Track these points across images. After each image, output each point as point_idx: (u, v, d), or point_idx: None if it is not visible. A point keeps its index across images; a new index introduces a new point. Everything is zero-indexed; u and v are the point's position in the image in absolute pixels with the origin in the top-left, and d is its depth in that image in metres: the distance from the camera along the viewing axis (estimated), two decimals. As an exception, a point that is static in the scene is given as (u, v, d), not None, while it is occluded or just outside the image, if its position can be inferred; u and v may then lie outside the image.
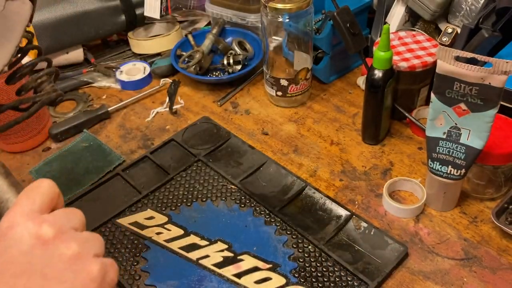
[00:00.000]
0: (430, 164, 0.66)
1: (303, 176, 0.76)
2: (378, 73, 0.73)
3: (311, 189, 0.72)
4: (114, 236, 0.68)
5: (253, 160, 0.78)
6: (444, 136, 0.64)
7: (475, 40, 0.75)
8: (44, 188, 0.40)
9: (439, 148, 0.65)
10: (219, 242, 0.66)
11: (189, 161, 0.79)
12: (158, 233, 0.68)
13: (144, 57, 1.04)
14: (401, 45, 0.81)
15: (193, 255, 0.65)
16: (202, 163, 0.78)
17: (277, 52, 0.86)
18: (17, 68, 0.54)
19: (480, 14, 0.77)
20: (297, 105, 0.90)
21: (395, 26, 0.91)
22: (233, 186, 0.74)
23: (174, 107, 0.92)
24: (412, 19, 0.92)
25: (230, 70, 0.96)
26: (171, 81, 0.97)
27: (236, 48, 0.99)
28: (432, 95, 0.62)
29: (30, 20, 0.51)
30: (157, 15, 1.03)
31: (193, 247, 0.66)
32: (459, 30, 0.80)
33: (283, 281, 0.61)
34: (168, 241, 0.67)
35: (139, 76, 0.98)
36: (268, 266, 0.63)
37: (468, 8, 0.82)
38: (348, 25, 0.80)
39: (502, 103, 0.68)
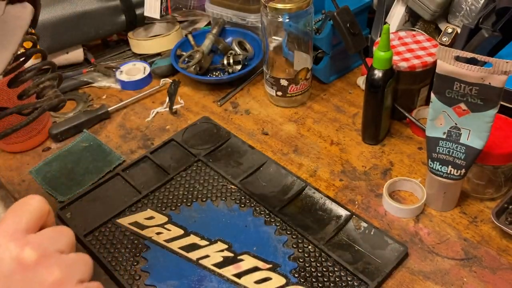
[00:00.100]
0: (430, 164, 0.66)
1: (303, 176, 0.76)
2: (378, 73, 0.73)
3: (311, 189, 0.72)
4: (114, 236, 0.68)
5: (253, 160, 0.78)
6: (444, 136, 0.64)
7: (475, 40, 0.75)
8: (33, 206, 0.38)
9: (439, 148, 0.65)
10: (219, 242, 0.66)
11: (189, 161, 0.79)
12: (158, 233, 0.68)
13: (144, 57, 1.04)
14: (401, 45, 0.81)
15: (193, 255, 0.65)
16: (202, 163, 0.78)
17: (277, 52, 0.86)
18: (19, 72, 0.53)
19: (480, 14, 0.77)
20: (297, 105, 0.90)
21: (395, 26, 0.91)
22: (233, 186, 0.74)
23: (174, 107, 0.91)
24: (412, 19, 0.92)
25: (230, 70, 0.96)
26: (171, 81, 0.97)
27: (236, 48, 0.99)
28: (432, 95, 0.62)
29: (35, 24, 0.50)
30: (157, 15, 1.03)
31: (193, 247, 0.66)
32: (459, 30, 0.80)
33: (283, 281, 0.61)
34: (168, 241, 0.67)
35: (139, 76, 0.98)
36: (268, 266, 0.63)
37: (468, 8, 0.82)
38: (348, 25, 0.80)
39: (502, 103, 0.68)
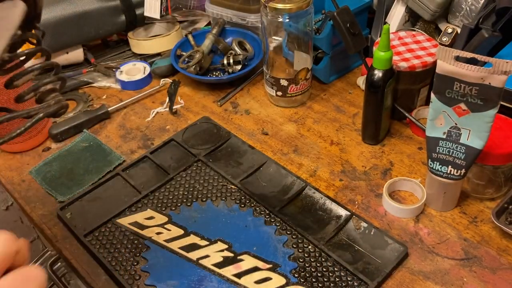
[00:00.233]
0: (430, 164, 0.66)
1: (303, 176, 0.76)
2: (378, 73, 0.73)
3: (311, 189, 0.72)
4: (114, 236, 0.68)
5: (253, 160, 0.78)
6: (444, 136, 0.64)
7: (475, 40, 0.75)
8: None
9: (439, 148, 0.65)
10: (219, 242, 0.66)
11: (189, 161, 0.79)
12: (158, 233, 0.68)
13: (144, 57, 1.04)
14: (401, 45, 0.81)
15: (193, 255, 0.65)
16: (202, 163, 0.78)
17: (277, 52, 0.86)
18: (17, 73, 0.48)
19: (480, 14, 0.77)
20: (297, 105, 0.90)
21: (395, 26, 0.91)
22: (233, 186, 0.74)
23: (174, 107, 0.91)
24: (412, 19, 0.92)
25: (230, 70, 0.96)
26: (171, 81, 0.97)
27: (236, 48, 0.99)
28: (432, 95, 0.62)
29: (38, 19, 0.46)
30: (157, 15, 1.03)
31: (193, 247, 0.66)
32: (459, 30, 0.80)
33: (283, 281, 0.61)
34: (168, 241, 0.67)
35: (139, 76, 0.98)
36: (268, 266, 0.63)
37: (468, 8, 0.82)
38: (348, 25, 0.80)
39: (502, 103, 0.68)
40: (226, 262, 0.64)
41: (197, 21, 1.13)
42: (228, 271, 0.63)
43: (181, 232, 0.68)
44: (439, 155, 0.65)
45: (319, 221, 0.68)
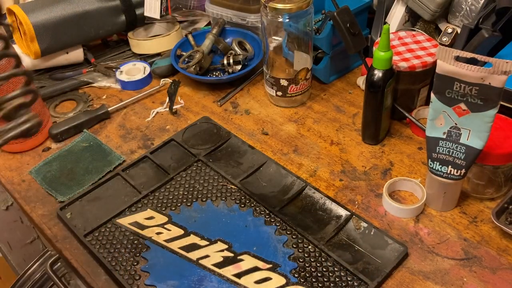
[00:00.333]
0: (430, 164, 0.66)
1: (303, 176, 0.76)
2: (378, 73, 0.73)
3: (311, 189, 0.72)
4: (114, 236, 0.68)
5: (253, 160, 0.78)
6: (444, 136, 0.64)
7: (475, 40, 0.75)
8: None
9: (439, 148, 0.65)
10: (219, 242, 0.66)
11: (189, 161, 0.79)
12: (158, 233, 0.68)
13: (144, 57, 1.04)
14: (401, 45, 0.81)
15: (193, 255, 0.65)
16: (202, 163, 0.78)
17: (277, 52, 0.86)
18: None
19: (480, 14, 0.77)
20: (297, 105, 0.90)
21: (395, 26, 0.91)
22: (233, 186, 0.74)
23: (174, 107, 0.91)
24: (412, 19, 0.92)
25: (230, 70, 0.96)
26: (171, 81, 0.97)
27: (236, 48, 0.99)
28: (432, 95, 0.62)
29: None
30: (157, 15, 1.03)
31: (193, 247, 0.66)
32: (459, 30, 0.80)
33: (283, 281, 0.61)
34: (168, 241, 0.67)
35: (139, 76, 0.98)
36: (268, 266, 0.63)
37: (468, 8, 0.82)
38: (348, 25, 0.80)
39: (502, 103, 0.68)
40: (226, 262, 0.64)
41: (197, 21, 1.13)
42: (228, 271, 0.63)
43: (181, 232, 0.68)
44: (439, 155, 0.65)
45: (319, 221, 0.68)
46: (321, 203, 0.70)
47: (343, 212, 0.69)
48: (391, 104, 0.79)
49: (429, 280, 0.61)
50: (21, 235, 1.36)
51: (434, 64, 0.75)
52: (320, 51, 0.91)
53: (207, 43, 0.99)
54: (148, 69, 0.99)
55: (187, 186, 0.75)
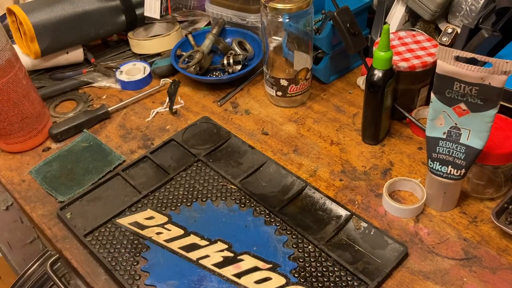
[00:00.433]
0: (430, 164, 0.66)
1: (303, 176, 0.76)
2: (378, 73, 0.73)
3: (311, 189, 0.72)
4: (114, 236, 0.68)
5: (253, 160, 0.78)
6: (444, 136, 0.64)
7: (475, 40, 0.75)
8: None
9: (439, 148, 0.65)
10: (219, 242, 0.66)
11: (189, 161, 0.79)
12: (158, 233, 0.68)
13: (144, 57, 1.04)
14: (401, 45, 0.81)
15: (193, 255, 0.65)
16: (202, 163, 0.78)
17: (277, 52, 0.86)
18: None
19: (480, 14, 0.77)
20: (297, 105, 0.90)
21: (395, 26, 0.91)
22: (233, 186, 0.74)
23: (174, 107, 0.92)
24: (412, 19, 0.92)
25: (230, 70, 0.96)
26: (171, 81, 0.97)
27: (236, 48, 0.99)
28: (432, 95, 0.62)
29: None
30: (157, 15, 1.03)
31: (193, 247, 0.66)
32: (459, 30, 0.80)
33: (283, 281, 0.61)
34: (168, 241, 0.67)
35: (139, 76, 0.98)
36: (268, 266, 0.63)
37: (468, 8, 0.82)
38: (348, 25, 0.80)
39: (502, 103, 0.69)
40: (226, 262, 0.64)
41: (197, 21, 1.13)
42: (228, 271, 0.63)
43: (181, 232, 0.68)
44: (439, 155, 0.65)
45: (319, 221, 0.68)
46: (321, 203, 0.70)
47: (343, 212, 0.69)
48: (391, 104, 0.79)
49: (429, 280, 0.61)
50: (21, 235, 1.36)
51: (434, 64, 0.75)
52: (320, 51, 0.91)
53: (207, 43, 0.99)
54: (148, 69, 0.99)
55: (187, 186, 0.75)
